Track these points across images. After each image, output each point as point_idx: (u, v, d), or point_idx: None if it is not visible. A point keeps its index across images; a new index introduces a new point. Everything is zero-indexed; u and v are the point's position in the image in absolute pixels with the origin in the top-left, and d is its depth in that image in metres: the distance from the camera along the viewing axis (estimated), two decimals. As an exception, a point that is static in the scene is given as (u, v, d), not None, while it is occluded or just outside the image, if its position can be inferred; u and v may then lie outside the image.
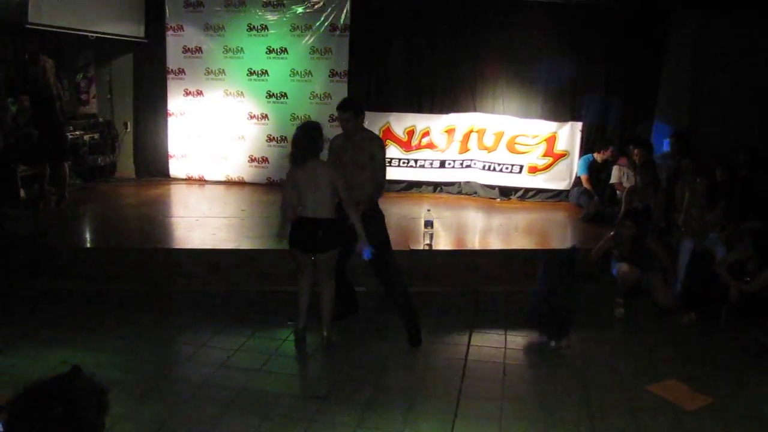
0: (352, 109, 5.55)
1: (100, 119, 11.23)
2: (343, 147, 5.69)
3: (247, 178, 11.05)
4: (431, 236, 7.28)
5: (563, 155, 10.18)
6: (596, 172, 9.55)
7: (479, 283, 7.19)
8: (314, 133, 5.27)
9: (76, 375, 1.70)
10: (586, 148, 9.98)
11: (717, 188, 7.94)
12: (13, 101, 8.60)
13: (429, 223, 7.27)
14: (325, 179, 5.22)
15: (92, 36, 9.83)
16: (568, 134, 10.15)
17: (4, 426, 1.64)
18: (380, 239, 5.54)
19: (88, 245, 7.93)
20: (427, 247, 7.26)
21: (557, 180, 10.29)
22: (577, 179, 9.83)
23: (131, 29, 10.59)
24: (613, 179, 9.28)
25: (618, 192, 9.07)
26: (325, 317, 5.49)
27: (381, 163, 5.69)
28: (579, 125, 10.14)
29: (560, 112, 10.20)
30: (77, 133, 10.43)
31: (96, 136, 10.86)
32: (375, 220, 5.53)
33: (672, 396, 4.88)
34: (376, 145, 5.73)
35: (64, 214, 8.73)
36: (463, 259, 7.41)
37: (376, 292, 6.66)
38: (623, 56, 9.93)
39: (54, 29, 8.88)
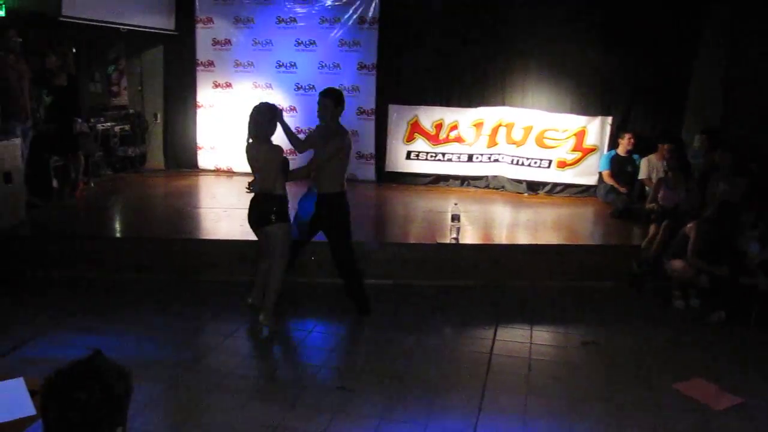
0: (330, 96, 5.75)
1: (131, 111, 11.38)
2: (320, 138, 5.86)
3: (275, 170, 11.09)
4: (458, 230, 7.27)
5: (592, 150, 10.08)
6: (621, 165, 9.45)
7: (506, 278, 7.15)
8: (271, 116, 5.52)
9: (98, 358, 1.73)
10: (614, 142, 9.86)
11: (753, 187, 7.83)
12: (47, 92, 8.73)
13: (456, 217, 7.26)
14: (272, 162, 5.44)
15: (124, 29, 9.94)
16: (598, 128, 10.05)
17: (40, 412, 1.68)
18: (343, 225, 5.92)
19: (118, 235, 8.03)
20: (453, 241, 7.25)
21: (586, 175, 10.19)
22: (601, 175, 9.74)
23: (162, 22, 10.69)
24: (642, 175, 9.17)
25: (647, 187, 8.99)
26: (266, 300, 5.53)
27: (328, 152, 5.75)
28: (609, 119, 10.03)
29: (590, 106, 10.09)
30: (108, 124, 10.57)
31: (126, 127, 11.00)
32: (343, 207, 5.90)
33: (700, 395, 4.81)
34: (337, 138, 5.81)
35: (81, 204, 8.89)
36: (489, 254, 7.38)
37: (403, 285, 6.72)
38: (655, 50, 9.78)
39: (87, 22, 8.98)
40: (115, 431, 1.69)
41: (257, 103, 5.62)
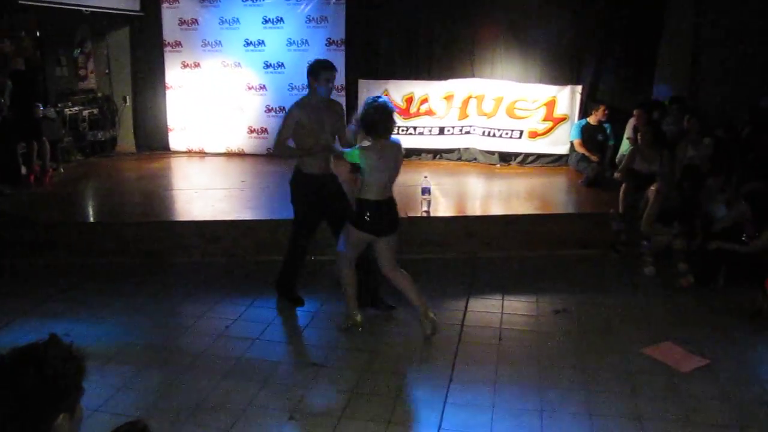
0: (334, 69, 5.49)
1: (99, 94, 11.27)
2: (321, 113, 5.49)
3: (247, 150, 11.06)
4: (429, 203, 7.27)
5: (563, 119, 10.09)
6: (592, 134, 9.48)
7: (477, 249, 7.19)
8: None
9: (52, 342, 1.73)
10: (585, 111, 9.89)
11: (720, 152, 7.89)
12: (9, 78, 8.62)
13: (426, 190, 7.26)
14: (400, 162, 5.21)
15: (87, 10, 9.78)
16: (568, 98, 10.06)
17: None
18: None
19: (89, 220, 7.97)
20: (425, 214, 7.26)
21: (557, 144, 10.21)
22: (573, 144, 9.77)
23: (126, 2, 10.55)
24: (627, 133, 9.16)
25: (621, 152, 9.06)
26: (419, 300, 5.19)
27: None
28: (579, 88, 10.03)
29: (560, 76, 10.09)
30: (76, 108, 10.45)
31: (95, 111, 10.91)
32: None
33: (667, 358, 4.88)
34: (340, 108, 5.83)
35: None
36: (461, 225, 7.41)
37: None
38: (623, 17, 9.81)
39: (47, 5, 8.82)
40: (56, 418, 1.68)
41: (377, 100, 4.97)
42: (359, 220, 4.97)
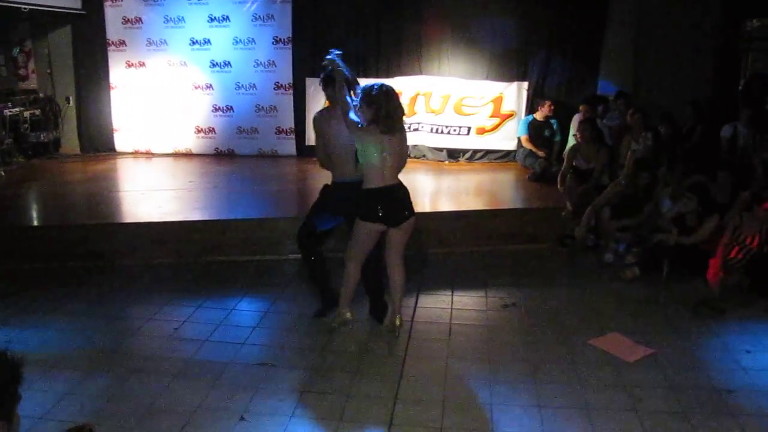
0: None
1: (41, 94, 11.00)
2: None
3: (194, 150, 10.93)
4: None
5: (510, 115, 10.22)
6: (538, 130, 9.61)
7: (427, 245, 7.22)
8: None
9: None
10: (531, 107, 10.01)
11: (661, 146, 8.07)
12: None
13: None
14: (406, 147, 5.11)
15: (25, 8, 9.52)
16: (515, 94, 10.18)
17: None
18: None
19: (32, 223, 7.77)
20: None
21: (505, 140, 10.32)
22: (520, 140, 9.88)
23: (67, 0, 10.28)
24: (573, 129, 9.27)
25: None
26: (397, 300, 5.19)
27: None
28: (525, 85, 10.17)
29: (506, 72, 10.21)
30: (17, 109, 10.18)
31: (37, 112, 10.64)
32: None
33: (614, 349, 4.98)
34: None
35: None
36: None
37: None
38: (568, 14, 9.97)
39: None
40: None
41: (385, 86, 4.86)
42: (362, 210, 4.91)
